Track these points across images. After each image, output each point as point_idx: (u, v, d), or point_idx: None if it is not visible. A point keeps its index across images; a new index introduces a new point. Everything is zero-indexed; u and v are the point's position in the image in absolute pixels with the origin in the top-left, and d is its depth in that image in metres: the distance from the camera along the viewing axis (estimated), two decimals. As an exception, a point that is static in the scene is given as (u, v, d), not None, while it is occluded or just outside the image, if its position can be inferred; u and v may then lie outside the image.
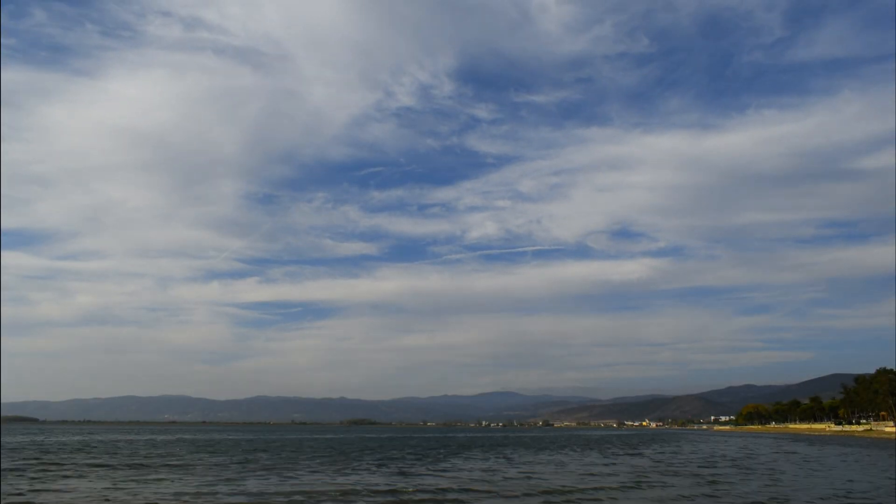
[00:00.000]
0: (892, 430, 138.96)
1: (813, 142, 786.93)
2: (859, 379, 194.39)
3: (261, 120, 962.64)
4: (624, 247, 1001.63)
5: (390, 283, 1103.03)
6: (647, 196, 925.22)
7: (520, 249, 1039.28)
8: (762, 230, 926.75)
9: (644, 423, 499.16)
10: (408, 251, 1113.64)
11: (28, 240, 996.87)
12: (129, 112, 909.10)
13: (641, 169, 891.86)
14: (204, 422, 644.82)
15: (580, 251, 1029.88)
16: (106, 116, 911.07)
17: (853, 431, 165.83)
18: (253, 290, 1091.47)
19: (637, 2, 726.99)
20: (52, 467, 42.68)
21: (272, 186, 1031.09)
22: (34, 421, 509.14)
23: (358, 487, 31.75)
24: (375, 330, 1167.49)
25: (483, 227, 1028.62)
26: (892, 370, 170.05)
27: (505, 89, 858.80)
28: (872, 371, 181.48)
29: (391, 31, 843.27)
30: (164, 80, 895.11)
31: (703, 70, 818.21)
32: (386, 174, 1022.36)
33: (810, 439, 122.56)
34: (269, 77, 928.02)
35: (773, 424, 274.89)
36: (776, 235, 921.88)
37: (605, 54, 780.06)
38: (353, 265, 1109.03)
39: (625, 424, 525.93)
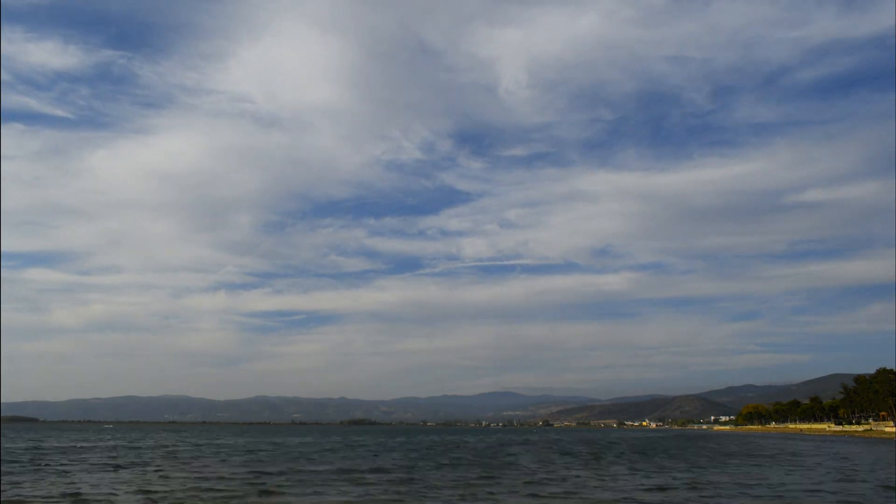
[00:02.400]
0: (892, 430, 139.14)
1: (755, 182, 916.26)
2: (859, 379, 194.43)
3: (279, 166, 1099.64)
4: (607, 262, 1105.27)
5: (390, 293, 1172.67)
6: (619, 224, 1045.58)
7: (510, 263, 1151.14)
8: (733, 249, 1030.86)
9: (644, 424, 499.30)
10: (406, 266, 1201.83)
11: (52, 258, 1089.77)
12: (164, 158, 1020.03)
13: (608, 201, 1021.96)
14: (204, 422, 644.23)
15: (567, 267, 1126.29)
16: (143, 162, 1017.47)
17: (853, 431, 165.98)
18: (260, 301, 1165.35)
19: (583, 80, 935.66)
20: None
21: (284, 216, 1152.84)
22: (34, 421, 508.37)
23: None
24: (376, 334, 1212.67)
25: (475, 245, 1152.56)
26: (892, 370, 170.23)
27: (485, 146, 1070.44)
28: (872, 371, 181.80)
29: (398, 106, 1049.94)
30: (198, 136, 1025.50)
31: (648, 130, 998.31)
32: (385, 205, 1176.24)
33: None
34: (290, 135, 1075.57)
35: (773, 424, 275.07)
36: (748, 253, 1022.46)
37: (562, 120, 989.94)
38: (356, 278, 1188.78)
39: (625, 425, 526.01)
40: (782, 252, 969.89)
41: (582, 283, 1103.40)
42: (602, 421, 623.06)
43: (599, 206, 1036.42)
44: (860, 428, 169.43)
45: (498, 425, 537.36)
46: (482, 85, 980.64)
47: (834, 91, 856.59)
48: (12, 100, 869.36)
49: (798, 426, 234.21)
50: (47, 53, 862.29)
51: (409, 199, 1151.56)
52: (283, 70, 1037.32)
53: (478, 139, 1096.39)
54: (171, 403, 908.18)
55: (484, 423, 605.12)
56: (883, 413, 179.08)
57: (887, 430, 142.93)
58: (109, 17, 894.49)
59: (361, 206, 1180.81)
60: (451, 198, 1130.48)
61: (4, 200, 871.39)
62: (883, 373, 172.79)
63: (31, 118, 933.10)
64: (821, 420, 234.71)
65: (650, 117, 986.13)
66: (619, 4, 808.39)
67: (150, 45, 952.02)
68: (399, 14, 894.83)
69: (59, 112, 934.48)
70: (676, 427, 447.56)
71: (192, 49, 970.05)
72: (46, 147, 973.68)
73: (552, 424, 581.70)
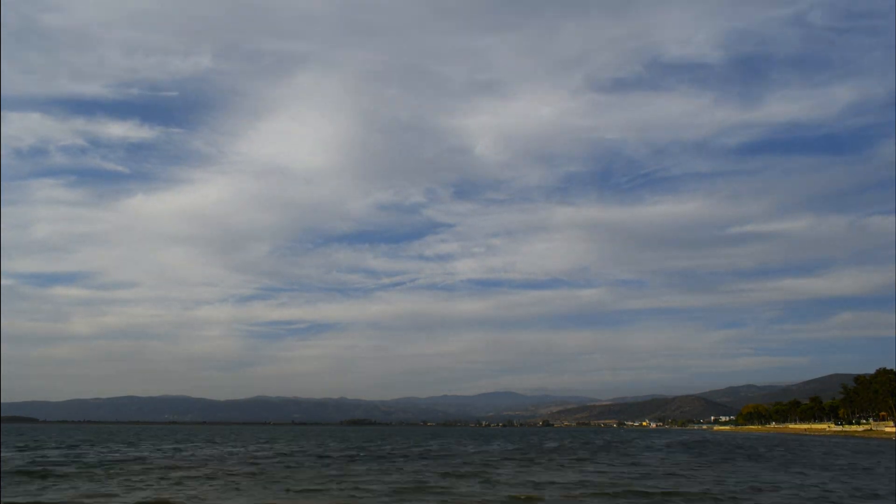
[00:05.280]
0: (892, 430, 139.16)
1: (703, 216, 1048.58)
2: (859, 379, 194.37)
3: (296, 208, 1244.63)
4: (589, 277, 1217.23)
5: (390, 305, 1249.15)
6: (592, 249, 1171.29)
7: (500, 277, 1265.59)
8: (703, 267, 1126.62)
9: (644, 424, 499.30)
10: (405, 280, 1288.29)
11: (75, 278, 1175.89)
12: (193, 201, 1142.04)
13: (576, 231, 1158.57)
14: (204, 422, 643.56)
15: (552, 282, 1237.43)
16: (175, 204, 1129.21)
17: (853, 431, 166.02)
18: (266, 312, 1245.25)
19: (543, 147, 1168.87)
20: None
21: (295, 243, 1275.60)
22: (34, 421, 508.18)
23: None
24: (376, 340, 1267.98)
25: (467, 264, 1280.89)
26: (891, 370, 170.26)
27: (465, 191, 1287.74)
28: (872, 371, 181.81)
29: (397, 164, 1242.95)
30: (225, 186, 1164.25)
31: (602, 178, 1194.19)
32: (381, 233, 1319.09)
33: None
34: (308, 185, 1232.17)
35: (773, 424, 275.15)
36: (719, 270, 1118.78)
37: (528, 172, 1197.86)
38: (358, 291, 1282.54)
39: (625, 425, 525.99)
40: (752, 269, 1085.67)
41: (567, 296, 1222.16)
42: (602, 421, 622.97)
43: (568, 233, 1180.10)
44: (860, 428, 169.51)
45: (498, 425, 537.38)
46: (460, 149, 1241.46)
47: (749, 153, 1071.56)
48: (80, 159, 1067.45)
49: (798, 426, 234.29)
50: (124, 130, 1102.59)
51: (401, 229, 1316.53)
52: (298, 139, 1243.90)
53: (459, 185, 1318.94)
54: (170, 403, 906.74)
55: (484, 423, 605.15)
56: (883, 413, 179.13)
57: (887, 430, 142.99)
58: (166, 103, 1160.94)
59: (363, 235, 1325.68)
60: (435, 228, 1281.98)
61: (39, 233, 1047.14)
62: (883, 373, 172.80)
63: (86, 172, 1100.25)
64: (821, 420, 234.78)
65: (602, 168, 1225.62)
66: (569, 102, 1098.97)
67: (190, 121, 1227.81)
68: (390, 106, 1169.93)
69: (119, 168, 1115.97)
70: (677, 427, 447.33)
71: (223, 124, 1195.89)
72: (92, 193, 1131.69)
73: (552, 424, 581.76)
